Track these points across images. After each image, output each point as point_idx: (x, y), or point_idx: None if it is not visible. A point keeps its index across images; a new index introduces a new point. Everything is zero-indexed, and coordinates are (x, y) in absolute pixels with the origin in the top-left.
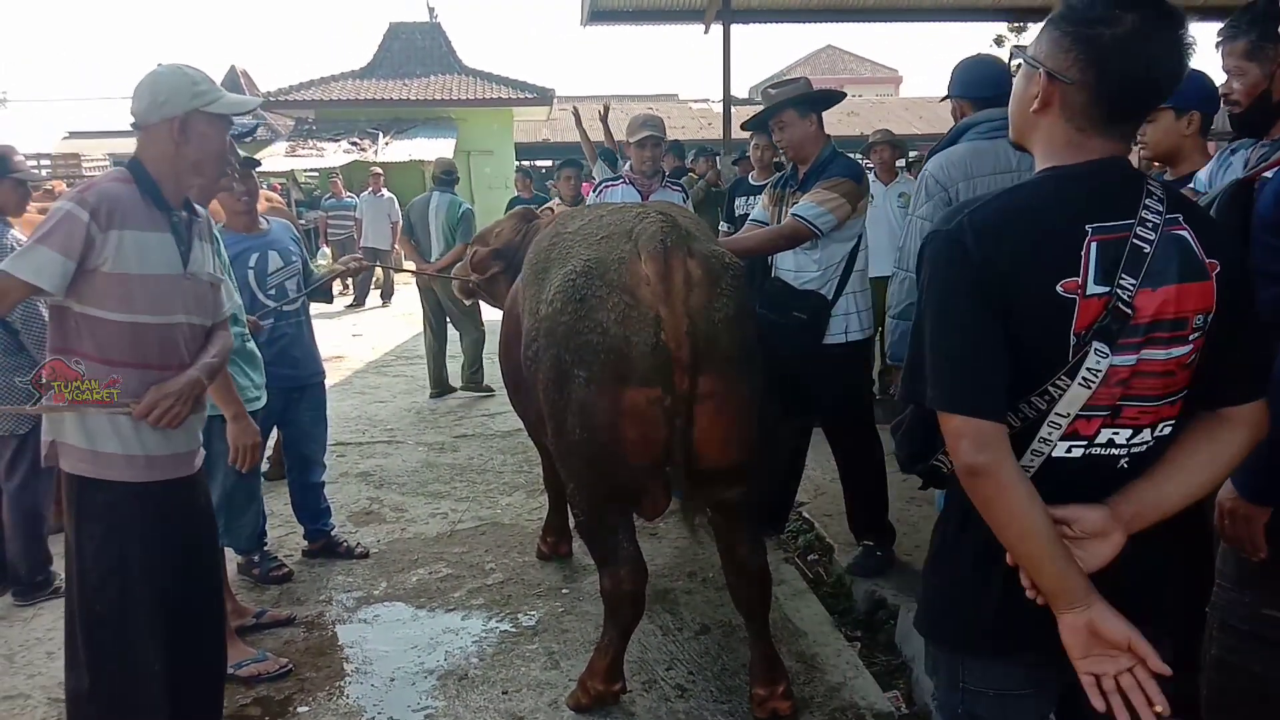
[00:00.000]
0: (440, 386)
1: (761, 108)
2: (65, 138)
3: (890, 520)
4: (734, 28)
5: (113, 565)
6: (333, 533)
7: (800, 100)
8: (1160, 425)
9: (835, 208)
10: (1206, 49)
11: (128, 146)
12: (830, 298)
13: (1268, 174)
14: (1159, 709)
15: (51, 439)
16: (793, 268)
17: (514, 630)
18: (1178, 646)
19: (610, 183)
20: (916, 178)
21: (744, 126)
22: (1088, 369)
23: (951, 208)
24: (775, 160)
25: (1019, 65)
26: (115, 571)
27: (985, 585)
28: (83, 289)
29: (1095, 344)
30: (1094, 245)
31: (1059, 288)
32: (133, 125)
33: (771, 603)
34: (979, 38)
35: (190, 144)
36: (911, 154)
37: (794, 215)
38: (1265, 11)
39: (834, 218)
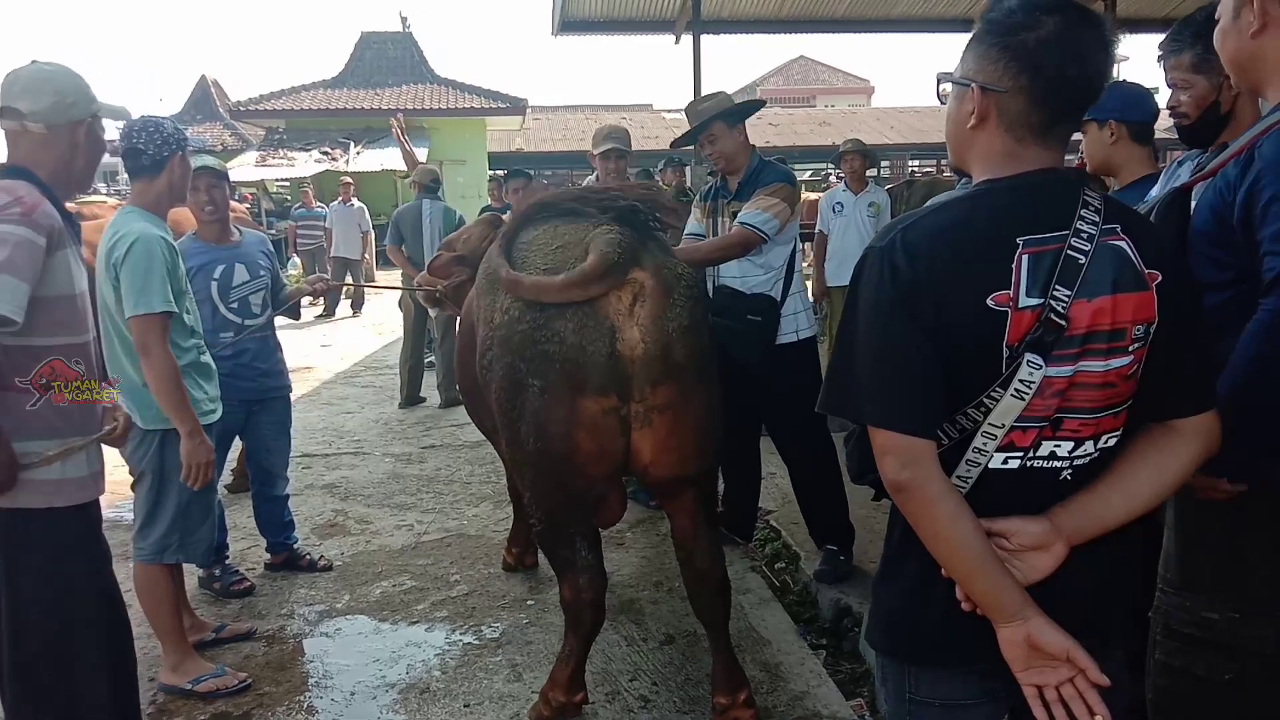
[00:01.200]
0: (411, 398)
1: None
2: None
3: (850, 521)
4: (705, 38)
5: (58, 596)
6: (296, 546)
7: (728, 113)
8: (1103, 437)
9: (778, 212)
10: (1142, 61)
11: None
12: (780, 299)
13: (1202, 183)
14: (1098, 718)
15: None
16: (738, 274)
17: (477, 642)
18: (1132, 653)
19: None
20: (887, 189)
21: (674, 145)
22: (1020, 380)
23: (887, 224)
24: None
25: (946, 91)
26: (59, 603)
27: (929, 597)
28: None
29: (1028, 355)
30: (1025, 258)
31: (990, 301)
32: (23, 125)
33: (736, 611)
34: (952, 48)
35: (87, 151)
36: (883, 164)
37: (741, 224)
38: (1208, 24)
39: (777, 222)
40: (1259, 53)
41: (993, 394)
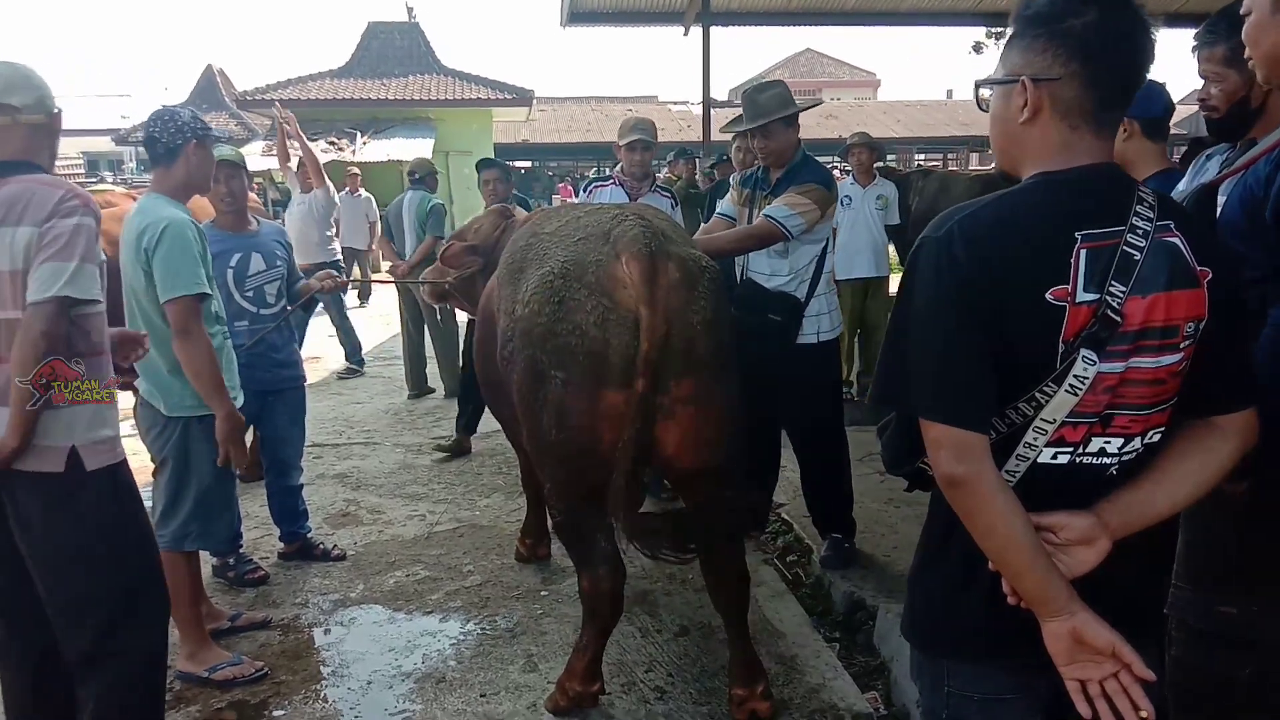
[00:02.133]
0: (419, 388)
1: (739, 110)
2: None
3: (866, 519)
4: (713, 30)
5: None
6: (309, 535)
7: (788, 115)
8: (1150, 433)
9: (805, 212)
10: (1172, 56)
11: (99, 145)
12: (803, 300)
13: (1232, 178)
14: (1144, 714)
15: (71, 444)
16: (766, 271)
17: (492, 633)
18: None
19: (600, 183)
20: (895, 180)
21: (724, 129)
22: (1075, 376)
23: (941, 214)
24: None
25: (988, 97)
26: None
27: (971, 590)
28: None
29: (1083, 351)
30: (1084, 252)
31: (1049, 295)
32: (14, 120)
33: (751, 604)
34: (958, 42)
35: (55, 141)
36: (890, 157)
37: (766, 216)
38: (1244, 17)
39: (804, 221)
40: None
41: (1045, 389)
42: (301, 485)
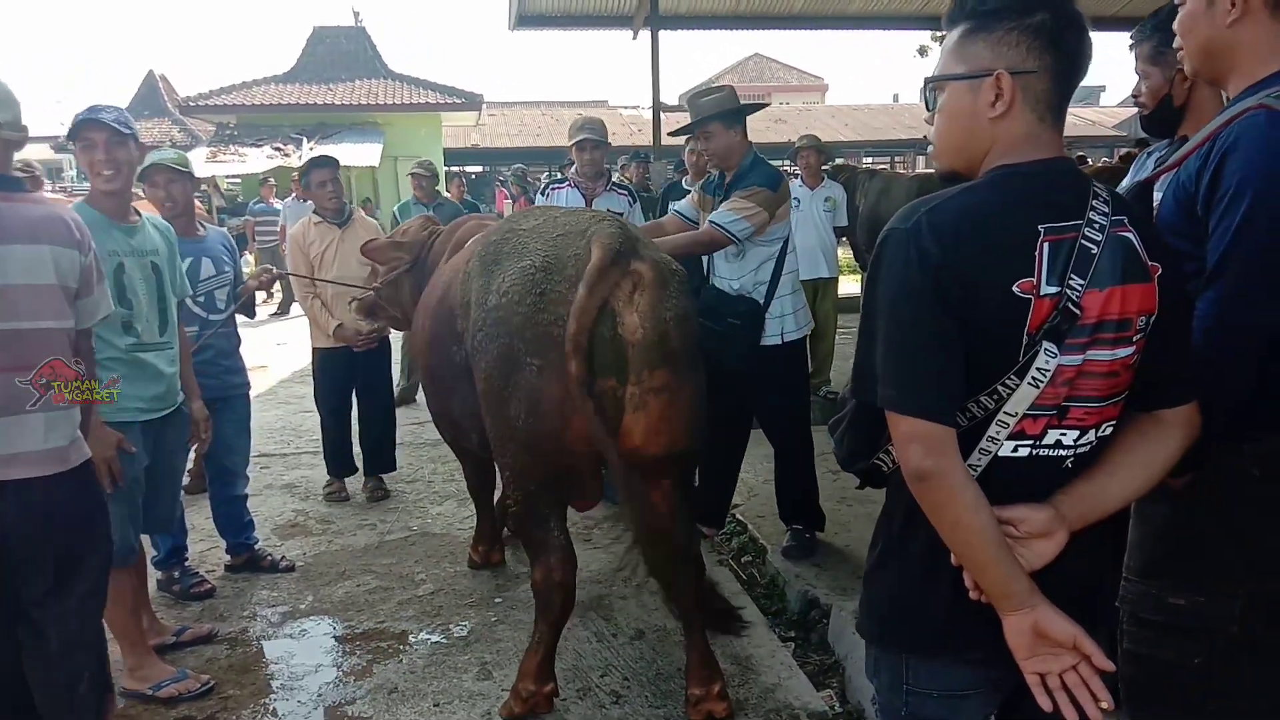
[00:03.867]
0: (403, 396)
1: (685, 122)
2: None
3: (820, 507)
4: (662, 34)
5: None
6: (257, 546)
7: (726, 113)
8: (1103, 425)
9: (750, 215)
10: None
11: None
12: (763, 301)
13: (1167, 175)
14: (1105, 704)
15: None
16: (727, 275)
17: (445, 641)
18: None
19: (556, 185)
20: (844, 180)
21: (673, 134)
22: (1037, 369)
23: (908, 206)
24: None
25: (934, 95)
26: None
27: (932, 585)
28: None
29: (1045, 344)
30: (1046, 245)
31: (1015, 288)
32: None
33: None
34: (904, 47)
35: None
36: (836, 160)
37: (710, 223)
38: (1168, 18)
39: (750, 225)
40: (1232, 41)
41: (1008, 382)
42: (247, 495)
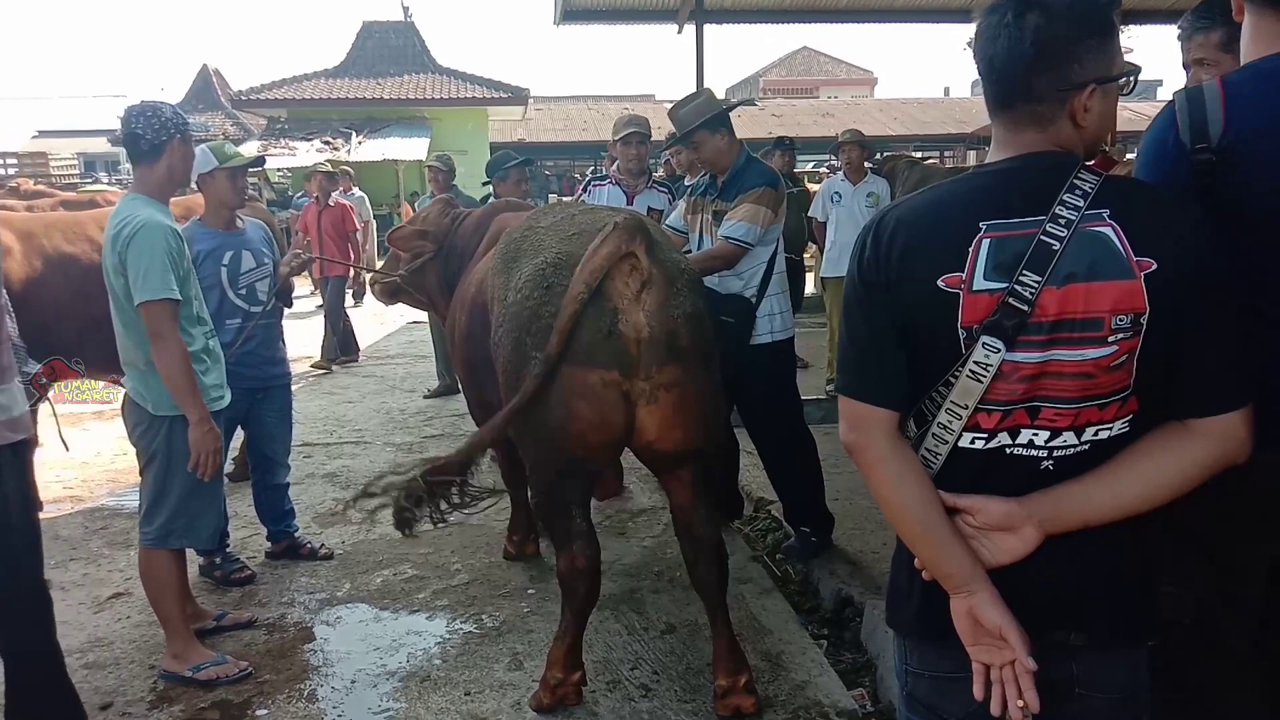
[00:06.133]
0: (445, 387)
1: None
2: (34, 136)
3: (855, 516)
4: (708, 28)
5: None
6: (296, 534)
7: (709, 120)
8: (1090, 429)
9: (760, 218)
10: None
11: (95, 145)
12: (754, 300)
13: None
14: (1022, 703)
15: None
16: (716, 275)
17: (478, 631)
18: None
19: (598, 182)
20: (884, 177)
21: (663, 148)
22: (976, 362)
23: (885, 205)
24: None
25: None
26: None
27: (913, 570)
28: None
29: (984, 338)
30: (986, 242)
31: (940, 282)
32: None
33: (738, 601)
34: (954, 40)
35: None
36: (883, 154)
37: (725, 238)
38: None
39: (760, 229)
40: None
41: (955, 374)
42: (288, 484)
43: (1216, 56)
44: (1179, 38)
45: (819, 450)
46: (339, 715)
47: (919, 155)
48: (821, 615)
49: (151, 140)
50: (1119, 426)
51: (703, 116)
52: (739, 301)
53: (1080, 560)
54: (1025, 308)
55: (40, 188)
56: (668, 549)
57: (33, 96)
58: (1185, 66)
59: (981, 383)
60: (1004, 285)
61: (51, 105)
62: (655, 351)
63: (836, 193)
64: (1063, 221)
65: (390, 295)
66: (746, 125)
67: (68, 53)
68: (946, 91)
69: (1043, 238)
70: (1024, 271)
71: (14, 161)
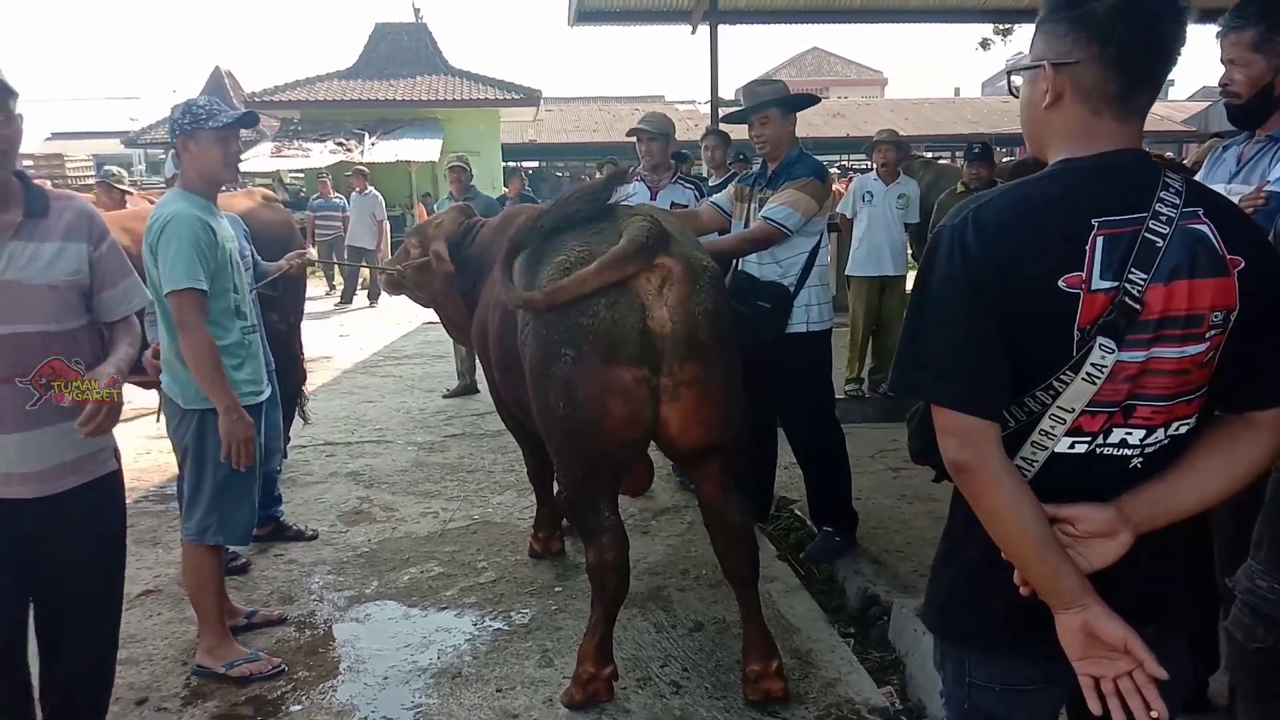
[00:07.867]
0: (464, 387)
1: (739, 108)
2: (48, 138)
3: (879, 516)
4: (721, 29)
5: None
6: (281, 518)
7: (786, 101)
8: (1175, 424)
9: (803, 207)
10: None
11: (109, 147)
12: (793, 289)
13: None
14: (1155, 714)
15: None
16: (755, 260)
17: (507, 628)
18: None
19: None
20: (915, 177)
21: (726, 119)
22: (1092, 364)
23: (960, 204)
24: (731, 161)
25: (1018, 83)
26: None
27: (990, 581)
28: None
29: (1100, 339)
30: (1100, 239)
31: (1061, 282)
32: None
33: (765, 599)
34: (965, 40)
35: None
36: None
37: (764, 218)
38: (1274, 2)
39: (800, 216)
40: None
41: (1063, 377)
42: (279, 470)
43: (1247, 57)
44: (1216, 35)
45: None
46: (373, 711)
47: (928, 155)
48: (848, 614)
49: (171, 142)
50: (1194, 421)
51: (780, 95)
52: (776, 288)
53: (1168, 556)
54: (1138, 306)
55: (123, 188)
56: (692, 547)
57: (47, 98)
58: (1223, 62)
59: (1096, 385)
60: (1115, 284)
61: (64, 107)
62: (678, 347)
63: (869, 192)
64: (1164, 219)
65: (394, 286)
66: None
67: (81, 55)
68: (957, 92)
69: (1147, 235)
70: (1131, 269)
71: (30, 163)
